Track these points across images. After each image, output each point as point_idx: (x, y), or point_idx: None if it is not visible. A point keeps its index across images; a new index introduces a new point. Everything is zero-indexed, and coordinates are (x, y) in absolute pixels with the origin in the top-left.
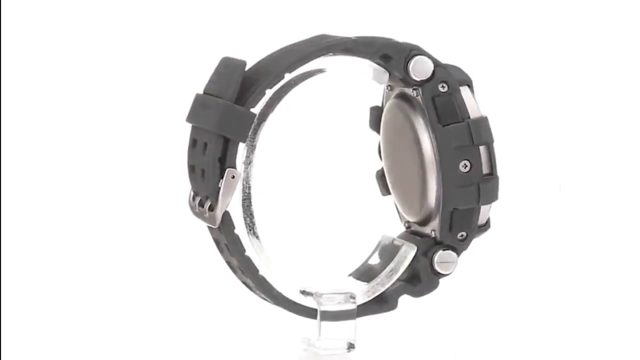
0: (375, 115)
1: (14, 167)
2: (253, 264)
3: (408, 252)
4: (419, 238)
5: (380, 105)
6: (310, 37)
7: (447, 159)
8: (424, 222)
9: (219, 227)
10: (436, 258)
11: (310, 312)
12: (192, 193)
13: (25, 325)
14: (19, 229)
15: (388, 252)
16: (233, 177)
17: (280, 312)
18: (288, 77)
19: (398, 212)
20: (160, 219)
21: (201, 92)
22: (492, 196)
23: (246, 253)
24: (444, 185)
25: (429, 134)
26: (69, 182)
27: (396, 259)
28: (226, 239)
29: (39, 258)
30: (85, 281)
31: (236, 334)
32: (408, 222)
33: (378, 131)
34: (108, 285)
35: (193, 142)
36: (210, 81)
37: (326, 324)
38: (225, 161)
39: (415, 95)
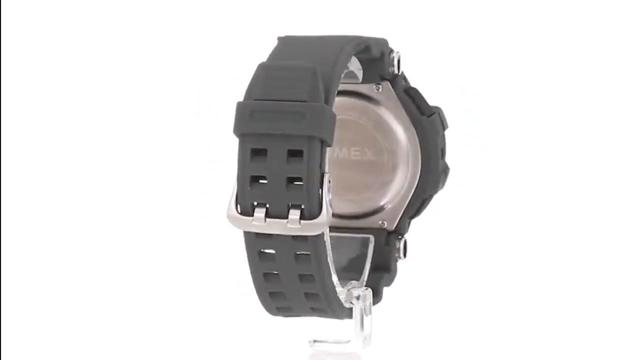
0: None
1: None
2: (330, 270)
3: (372, 244)
4: (357, 229)
5: None
6: (286, 37)
7: (432, 148)
8: (369, 214)
9: (312, 236)
10: (400, 246)
11: (348, 313)
12: (237, 203)
13: (29, 327)
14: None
15: (346, 247)
16: (329, 181)
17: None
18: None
19: None
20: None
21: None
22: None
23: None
24: (426, 174)
25: (403, 125)
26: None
27: (369, 252)
28: (314, 248)
29: (39, 264)
30: (93, 290)
31: (240, 338)
32: None
33: None
34: (119, 290)
35: (257, 152)
36: (270, 87)
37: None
38: (322, 166)
39: (377, 90)
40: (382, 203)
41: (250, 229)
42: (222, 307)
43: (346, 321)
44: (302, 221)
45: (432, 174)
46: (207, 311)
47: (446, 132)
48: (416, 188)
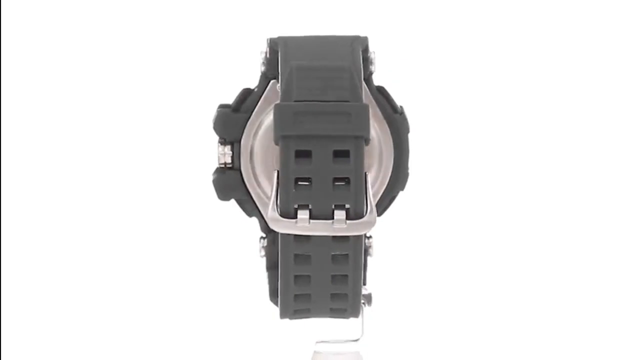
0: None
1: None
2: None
3: None
4: None
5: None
6: (284, 38)
7: (404, 146)
8: None
9: (353, 236)
10: (372, 244)
11: (361, 312)
12: (278, 206)
13: (30, 327)
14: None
15: None
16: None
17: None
18: None
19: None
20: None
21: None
22: None
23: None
24: (397, 172)
25: (377, 124)
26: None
27: None
28: (354, 248)
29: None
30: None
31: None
32: None
33: (237, 132)
34: (122, 291)
35: (300, 153)
36: (309, 88)
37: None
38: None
39: None
40: None
41: (294, 231)
42: (223, 307)
43: (342, 321)
44: (347, 221)
45: (402, 172)
46: (209, 312)
47: None
48: (387, 186)
